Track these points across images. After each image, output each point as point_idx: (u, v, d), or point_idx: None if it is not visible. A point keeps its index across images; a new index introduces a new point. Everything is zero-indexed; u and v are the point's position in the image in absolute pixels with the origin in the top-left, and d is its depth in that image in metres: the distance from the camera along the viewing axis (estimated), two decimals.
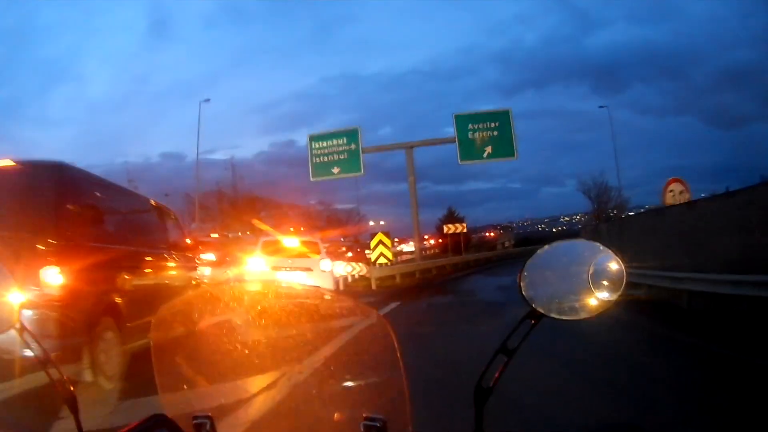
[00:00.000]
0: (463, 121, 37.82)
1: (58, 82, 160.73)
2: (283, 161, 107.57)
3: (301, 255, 17.60)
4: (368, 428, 1.56)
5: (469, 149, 37.34)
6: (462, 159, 37.56)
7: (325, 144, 38.62)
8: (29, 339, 1.68)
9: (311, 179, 39.32)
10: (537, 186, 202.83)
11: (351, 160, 38.05)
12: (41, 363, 1.70)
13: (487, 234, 75.76)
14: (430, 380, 6.02)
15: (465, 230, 50.97)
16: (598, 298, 1.53)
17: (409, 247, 56.10)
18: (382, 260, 29.39)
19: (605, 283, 1.54)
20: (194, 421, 1.67)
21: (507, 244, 68.86)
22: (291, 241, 18.80)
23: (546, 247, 1.62)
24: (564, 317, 1.56)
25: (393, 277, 28.88)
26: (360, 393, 1.92)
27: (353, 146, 38.04)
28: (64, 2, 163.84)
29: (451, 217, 66.84)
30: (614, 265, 1.54)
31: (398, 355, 1.70)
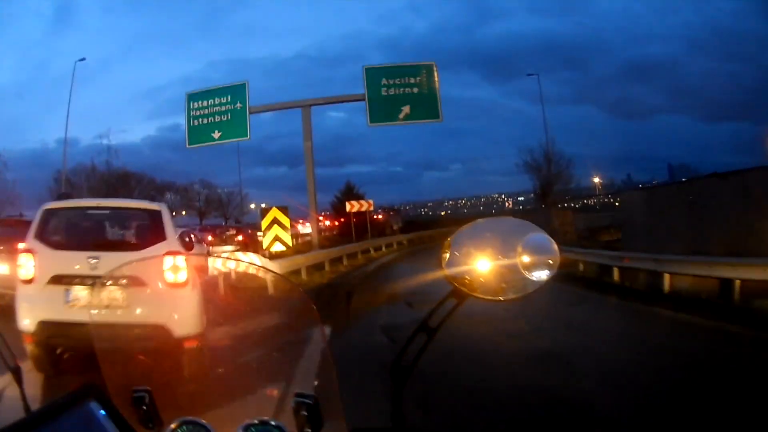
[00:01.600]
0: (374, 75, 30.47)
1: None
2: (168, 145, 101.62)
3: (122, 246, 8.46)
4: (299, 405, 1.58)
5: (381, 109, 30.22)
6: (372, 120, 30.37)
7: (205, 103, 30.87)
8: None
9: (187, 146, 31.53)
10: (419, 170, 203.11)
11: (235, 122, 30.47)
12: None
13: (376, 216, 70.29)
14: None
15: (372, 208, 43.01)
16: (528, 277, 1.50)
17: (305, 228, 48.78)
18: (277, 246, 21.24)
19: (537, 262, 1.49)
20: (134, 394, 1.67)
21: (395, 227, 63.10)
22: (103, 213, 8.72)
23: (471, 223, 1.59)
24: (490, 297, 1.54)
25: (297, 272, 20.93)
26: (291, 371, 2.05)
27: (239, 105, 30.41)
28: None
29: (350, 194, 58.57)
30: (547, 244, 1.52)
31: (323, 334, 1.82)
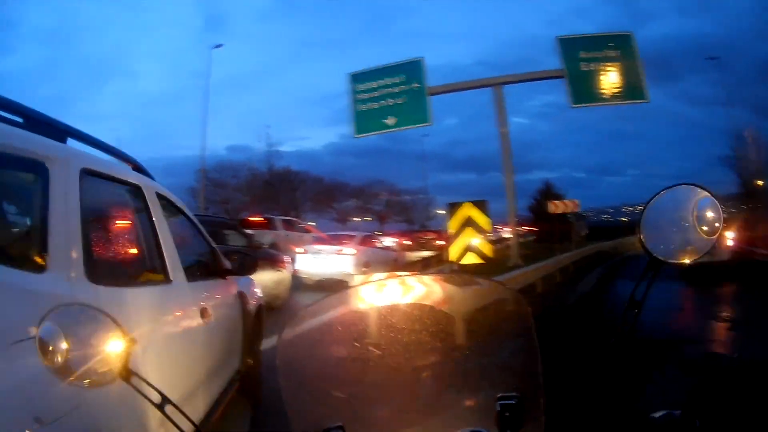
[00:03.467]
0: (571, 46, 25.29)
1: (109, 79, 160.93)
2: (350, 152, 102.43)
3: None
4: (504, 407, 1.62)
5: (583, 86, 25.03)
6: (576, 101, 25.30)
7: (374, 84, 26.35)
8: (144, 387, 1.55)
9: (355, 135, 27.28)
10: (598, 176, 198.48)
11: (412, 105, 25.65)
12: (162, 409, 1.61)
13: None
14: None
15: (578, 209, 36.24)
16: (703, 237, 1.63)
17: (505, 233, 43.51)
18: (470, 259, 14.11)
19: (707, 224, 1.63)
20: None
21: (582, 234, 57.72)
22: None
23: (655, 197, 1.70)
24: (680, 261, 1.66)
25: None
26: (493, 373, 1.90)
27: (415, 85, 25.69)
28: (107, 2, 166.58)
29: (549, 196, 51.07)
30: (713, 205, 1.64)
31: (533, 332, 1.70)
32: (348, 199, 65.04)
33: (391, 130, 26.89)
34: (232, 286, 5.23)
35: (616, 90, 25.31)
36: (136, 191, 3.66)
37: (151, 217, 3.72)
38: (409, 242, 39.61)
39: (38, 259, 2.29)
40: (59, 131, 2.97)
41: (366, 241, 21.58)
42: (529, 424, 1.63)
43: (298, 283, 16.68)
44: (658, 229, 1.66)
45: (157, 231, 3.70)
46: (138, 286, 3.27)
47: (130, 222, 3.72)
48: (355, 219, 64.79)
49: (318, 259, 19.25)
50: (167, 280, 3.62)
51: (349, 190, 64.48)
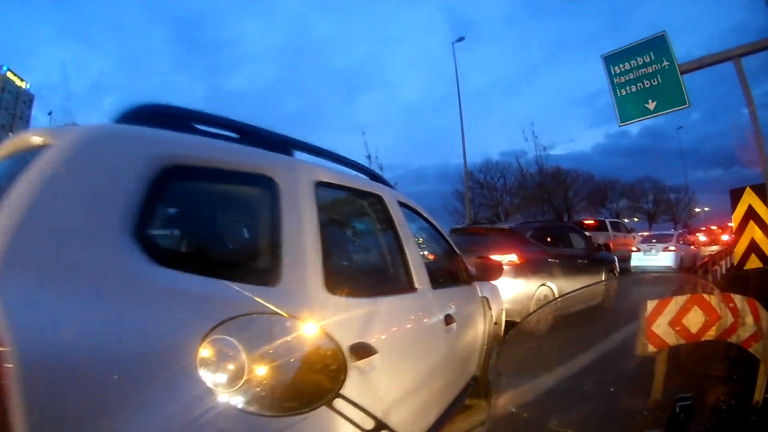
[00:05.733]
0: None
1: (363, 90, 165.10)
2: (617, 151, 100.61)
3: None
4: (682, 408, 1.62)
5: None
6: None
7: (628, 66, 21.74)
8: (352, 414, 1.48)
9: (620, 124, 20.99)
10: None
11: (667, 86, 20.20)
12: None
13: None
14: None
15: None
16: None
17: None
18: (753, 263, 11.17)
19: None
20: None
21: None
22: None
23: None
24: None
25: None
26: (675, 376, 1.95)
27: (666, 63, 20.74)
28: (341, 18, 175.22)
29: None
30: None
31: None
32: (619, 199, 63.81)
33: (652, 115, 21.01)
34: (476, 292, 5.17)
35: None
36: (377, 200, 3.73)
37: (394, 226, 3.75)
38: (704, 238, 41.10)
39: (272, 273, 2.26)
40: (282, 144, 2.92)
41: (679, 239, 24.29)
42: (695, 421, 1.63)
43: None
44: None
45: (401, 239, 3.73)
46: (381, 296, 3.15)
47: (371, 231, 3.88)
48: (625, 219, 63.40)
49: (648, 256, 22.43)
50: (412, 288, 3.61)
51: (619, 188, 63.25)
